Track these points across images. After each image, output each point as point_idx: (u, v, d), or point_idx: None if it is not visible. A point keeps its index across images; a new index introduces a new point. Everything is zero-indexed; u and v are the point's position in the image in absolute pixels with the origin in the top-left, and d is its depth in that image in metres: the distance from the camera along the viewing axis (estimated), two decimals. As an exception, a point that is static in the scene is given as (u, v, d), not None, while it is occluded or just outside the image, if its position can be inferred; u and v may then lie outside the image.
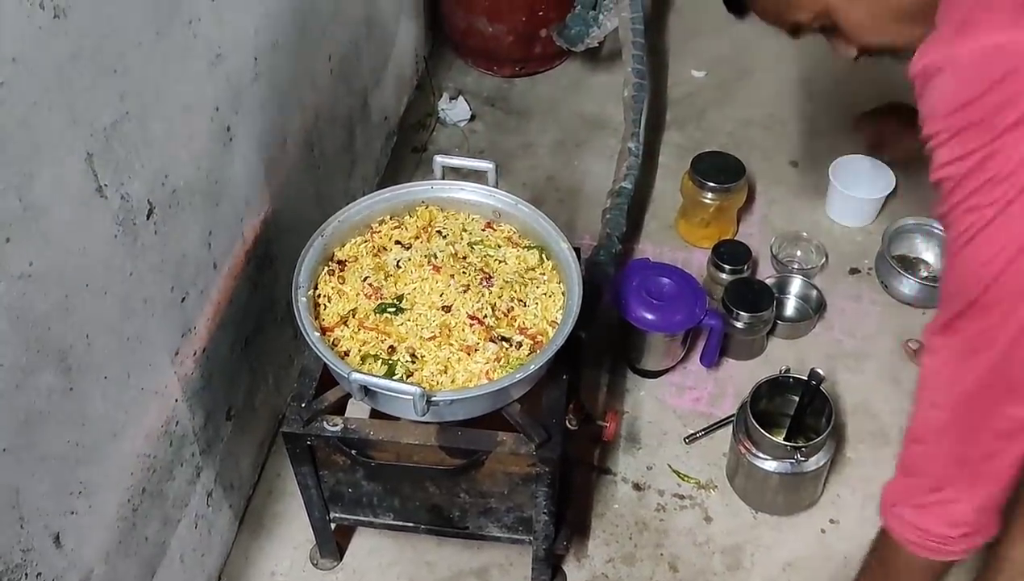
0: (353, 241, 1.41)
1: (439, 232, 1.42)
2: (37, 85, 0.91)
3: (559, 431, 1.29)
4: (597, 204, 2.01)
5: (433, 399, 1.18)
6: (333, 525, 1.48)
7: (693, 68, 2.49)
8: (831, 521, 1.62)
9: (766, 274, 1.95)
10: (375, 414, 1.42)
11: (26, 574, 1.01)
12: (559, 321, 1.30)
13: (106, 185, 1.05)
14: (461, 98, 2.33)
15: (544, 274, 1.39)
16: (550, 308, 1.33)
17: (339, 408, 1.34)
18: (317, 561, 1.56)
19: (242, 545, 1.57)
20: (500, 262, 1.39)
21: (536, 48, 2.36)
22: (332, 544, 1.53)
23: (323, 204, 1.75)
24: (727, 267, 1.85)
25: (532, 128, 2.32)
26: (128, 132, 1.08)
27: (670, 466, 1.69)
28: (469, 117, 2.31)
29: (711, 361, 1.78)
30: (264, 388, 1.61)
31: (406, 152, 2.24)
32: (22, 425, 0.96)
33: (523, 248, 1.41)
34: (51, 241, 0.97)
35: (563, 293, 1.35)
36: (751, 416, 1.52)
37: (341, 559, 1.57)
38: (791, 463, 1.52)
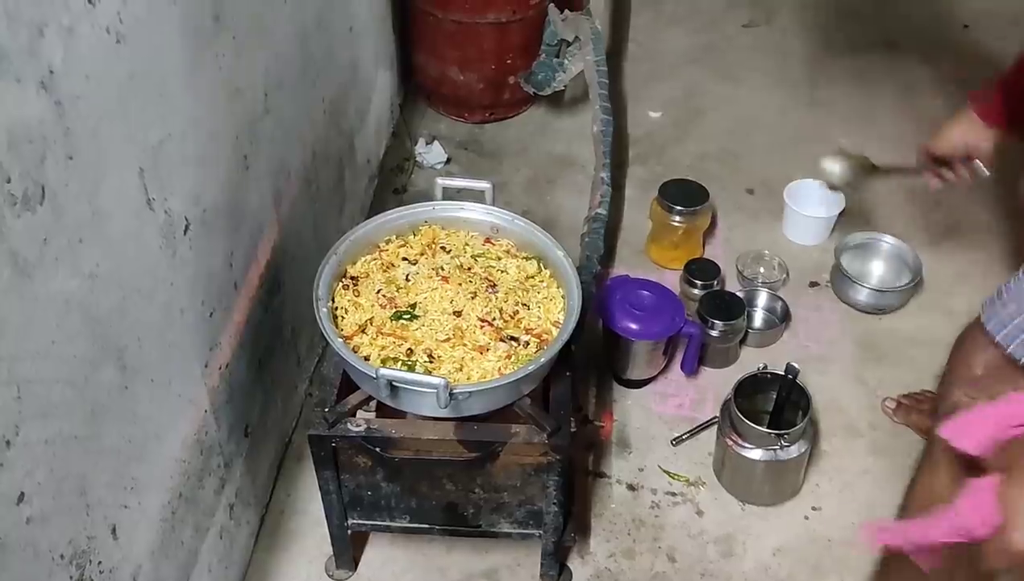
0: (364, 259, 1.51)
1: (443, 248, 1.53)
2: (104, 101, 1.01)
3: (567, 421, 1.39)
4: (572, 233, 2.14)
5: (455, 391, 1.27)
6: (350, 532, 1.54)
7: (650, 109, 2.67)
8: (813, 508, 1.73)
9: (733, 290, 2.09)
10: (385, 417, 1.49)
11: (90, 561, 1.07)
12: (561, 321, 1.42)
13: (154, 199, 1.14)
14: (436, 143, 2.47)
15: (543, 281, 1.50)
16: (552, 310, 1.45)
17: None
18: (332, 572, 1.62)
19: (259, 560, 1.62)
20: (502, 272, 1.50)
21: (505, 94, 2.51)
22: (348, 553, 1.59)
23: (319, 238, 1.85)
24: (699, 282, 1.99)
25: (505, 168, 2.46)
26: (170, 152, 1.18)
27: (660, 467, 1.79)
28: (445, 160, 2.45)
29: (691, 368, 1.90)
30: (274, 411, 1.69)
31: (387, 194, 2.36)
32: (89, 416, 1.04)
33: (522, 258, 1.53)
34: (112, 246, 1.06)
35: (563, 296, 1.47)
36: (735, 408, 1.64)
37: (355, 569, 1.63)
38: (775, 450, 1.63)
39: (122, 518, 1.13)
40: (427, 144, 2.47)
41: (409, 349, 1.37)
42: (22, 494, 0.92)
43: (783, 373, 1.68)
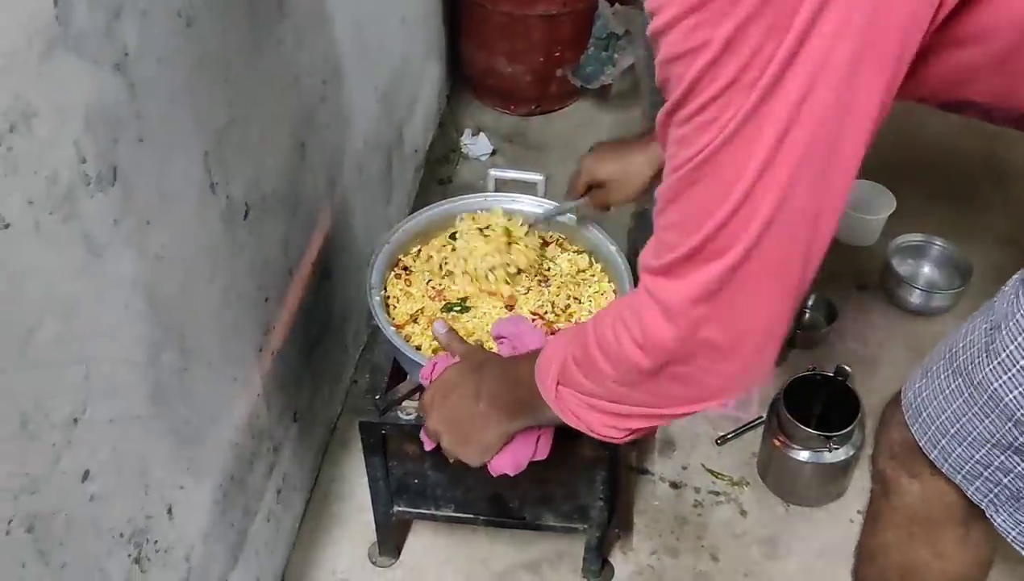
0: (416, 248, 1.51)
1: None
2: (174, 83, 1.02)
3: (617, 417, 1.39)
4: (619, 227, 2.13)
5: (507, 382, 1.27)
6: (395, 519, 1.55)
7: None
8: (859, 512, 1.71)
9: (781, 289, 2.07)
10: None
11: (147, 539, 1.08)
12: (613, 316, 1.41)
13: (217, 183, 1.15)
14: (482, 134, 2.47)
15: (595, 275, 1.50)
16: (603, 305, 1.44)
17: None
18: (376, 559, 1.63)
19: (303, 545, 1.64)
20: (554, 265, 1.50)
21: (552, 87, 2.50)
22: (392, 540, 1.60)
23: (368, 227, 1.86)
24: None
25: (550, 162, 2.45)
26: (233, 136, 1.18)
27: (704, 465, 1.78)
28: (490, 152, 2.44)
29: (737, 367, 1.89)
30: (321, 397, 1.70)
31: (432, 184, 2.36)
32: (151, 397, 1.05)
33: (573, 252, 1.52)
34: (177, 229, 1.06)
35: (614, 291, 1.46)
36: (784, 409, 1.63)
37: (398, 557, 1.64)
38: (823, 452, 1.62)
39: (178, 498, 1.14)
40: (473, 136, 2.47)
41: (461, 340, 1.37)
42: (87, 472, 0.94)
43: (833, 375, 1.66)
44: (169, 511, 1.13)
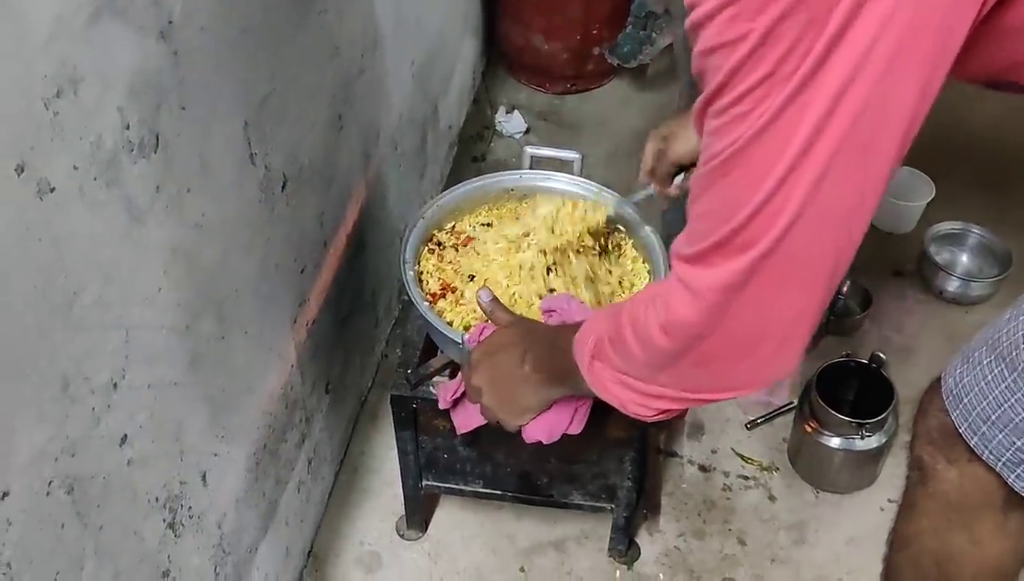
0: (450, 225, 1.51)
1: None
2: (216, 53, 1.02)
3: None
4: (652, 208, 2.12)
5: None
6: (423, 493, 1.56)
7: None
8: (889, 500, 1.70)
9: (815, 275, 2.05)
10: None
11: (181, 505, 1.09)
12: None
13: (256, 153, 1.16)
14: (516, 112, 2.45)
15: (631, 258, 1.49)
16: (638, 286, 1.43)
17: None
18: (404, 532, 1.64)
19: (332, 516, 1.65)
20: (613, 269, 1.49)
21: (588, 65, 2.48)
22: (420, 514, 1.61)
23: (401, 201, 1.86)
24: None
25: (584, 141, 2.43)
26: (274, 107, 1.18)
27: (733, 450, 1.78)
28: (524, 130, 2.43)
29: (769, 352, 1.87)
30: (353, 369, 1.70)
31: (466, 161, 2.35)
32: (189, 364, 1.06)
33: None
34: (217, 197, 1.07)
35: (649, 272, 1.45)
36: (817, 395, 1.62)
37: (425, 531, 1.65)
38: (855, 439, 1.61)
39: (212, 465, 1.16)
40: (507, 113, 2.46)
41: (493, 317, 1.36)
42: (125, 436, 0.95)
43: (867, 362, 1.65)
44: (203, 477, 1.14)
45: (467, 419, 1.28)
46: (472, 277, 1.40)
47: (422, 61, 1.92)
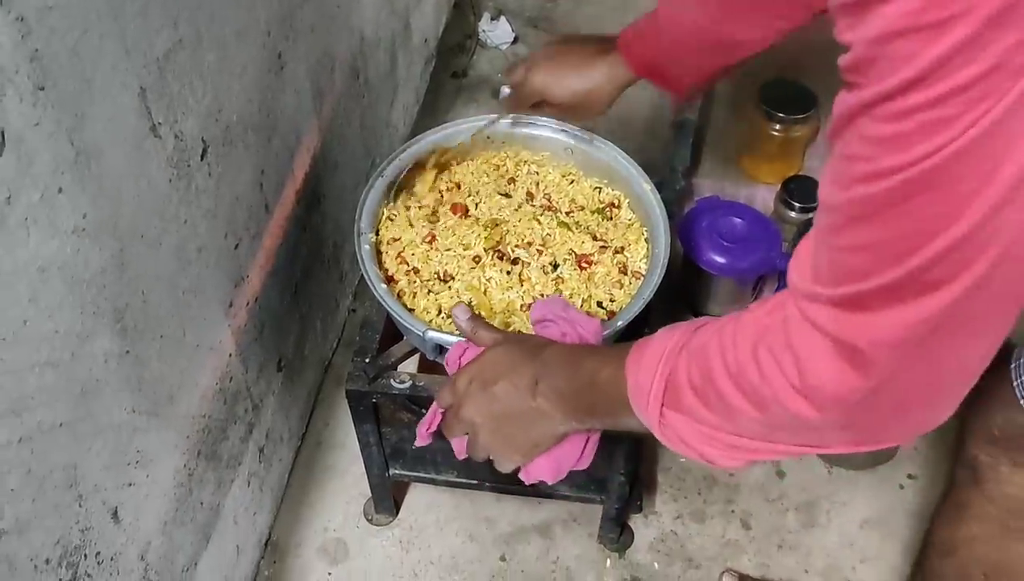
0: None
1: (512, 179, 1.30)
2: (88, 9, 0.78)
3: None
4: (652, 136, 1.89)
5: (516, 358, 1.08)
6: (391, 482, 1.40)
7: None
8: (909, 476, 1.54)
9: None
10: (423, 367, 1.33)
11: (85, 555, 0.92)
12: (642, 271, 1.20)
13: (160, 123, 0.93)
14: (503, 18, 2.18)
15: (627, 221, 1.28)
16: (634, 256, 1.23)
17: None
18: (372, 516, 1.48)
19: (292, 501, 1.49)
20: (571, 200, 1.28)
21: (583, -36, 2.20)
22: (389, 500, 1.45)
23: (366, 137, 1.63)
24: (797, 205, 1.73)
25: (578, 52, 2.17)
26: (182, 62, 0.95)
27: (738, 417, 1.60)
28: (512, 39, 2.17)
29: (781, 306, 1.68)
30: (312, 336, 1.52)
31: (445, 78, 2.10)
32: (79, 397, 0.86)
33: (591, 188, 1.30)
34: (105, 189, 0.85)
35: (646, 240, 1.24)
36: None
37: (396, 514, 1.49)
38: (877, 419, 1.43)
39: (125, 498, 0.98)
40: (492, 20, 2.18)
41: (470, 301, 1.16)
42: (-8, 505, 0.76)
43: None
44: (115, 514, 0.96)
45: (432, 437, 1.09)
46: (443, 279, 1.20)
47: (388, -30, 1.65)
